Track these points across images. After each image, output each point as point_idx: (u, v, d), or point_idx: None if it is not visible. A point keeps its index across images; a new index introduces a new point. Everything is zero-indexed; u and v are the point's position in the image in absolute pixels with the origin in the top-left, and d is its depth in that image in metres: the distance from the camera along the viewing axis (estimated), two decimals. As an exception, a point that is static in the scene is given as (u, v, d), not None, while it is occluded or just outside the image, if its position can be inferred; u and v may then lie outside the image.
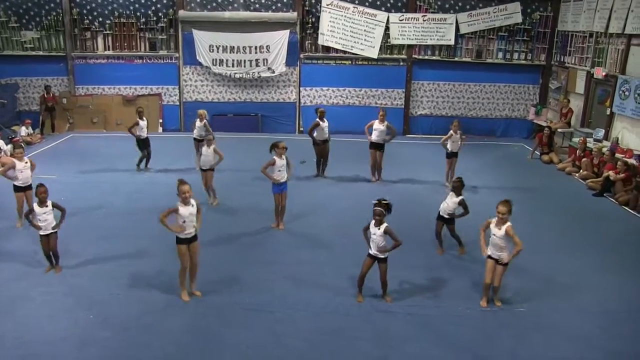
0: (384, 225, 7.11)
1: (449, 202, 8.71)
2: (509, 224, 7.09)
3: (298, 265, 8.52)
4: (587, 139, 14.28)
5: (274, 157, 9.55)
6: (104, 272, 8.14)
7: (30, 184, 9.60)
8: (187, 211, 7.06)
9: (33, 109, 17.87)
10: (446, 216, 8.79)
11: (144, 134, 13.16)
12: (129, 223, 10.08)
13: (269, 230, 9.89)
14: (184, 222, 7.07)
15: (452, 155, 12.33)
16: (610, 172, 12.29)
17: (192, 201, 7.16)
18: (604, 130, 14.40)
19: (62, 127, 17.75)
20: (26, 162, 9.62)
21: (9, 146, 14.19)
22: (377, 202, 7.16)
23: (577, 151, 14.25)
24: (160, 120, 18.19)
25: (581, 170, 13.66)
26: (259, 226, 10.02)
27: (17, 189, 9.64)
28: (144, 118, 13.18)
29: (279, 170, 9.59)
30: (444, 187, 12.06)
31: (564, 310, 7.41)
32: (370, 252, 7.28)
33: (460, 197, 8.62)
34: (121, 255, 8.68)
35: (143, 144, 13.28)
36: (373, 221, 7.17)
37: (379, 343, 6.57)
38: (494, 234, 7.17)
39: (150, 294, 7.52)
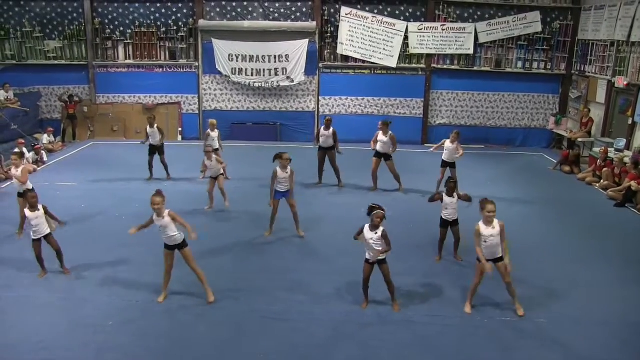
0: (381, 229, 7.06)
1: (448, 204, 8.66)
2: (499, 221, 7.08)
3: (314, 274, 8.51)
4: (609, 149, 14.09)
5: (277, 168, 9.51)
6: (123, 279, 8.22)
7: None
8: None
9: (55, 117, 18.21)
10: (450, 220, 8.76)
11: (152, 141, 13.20)
12: (147, 231, 10.11)
13: (285, 239, 9.89)
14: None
15: (445, 165, 12.15)
16: (632, 182, 12.09)
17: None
18: (625, 140, 14.18)
19: (83, 135, 18.03)
20: (17, 170, 9.56)
21: (31, 153, 14.46)
22: (376, 206, 7.08)
23: (598, 161, 14.05)
24: (180, 129, 18.37)
25: (602, 180, 13.46)
26: (275, 235, 10.01)
27: (18, 194, 9.69)
28: (154, 125, 13.19)
29: (279, 183, 9.59)
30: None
31: (583, 322, 7.28)
32: (368, 258, 7.25)
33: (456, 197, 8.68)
34: (139, 263, 8.76)
35: (150, 150, 13.32)
36: (367, 226, 7.12)
37: (396, 354, 6.52)
38: (491, 235, 7.07)
39: (168, 301, 7.58)
